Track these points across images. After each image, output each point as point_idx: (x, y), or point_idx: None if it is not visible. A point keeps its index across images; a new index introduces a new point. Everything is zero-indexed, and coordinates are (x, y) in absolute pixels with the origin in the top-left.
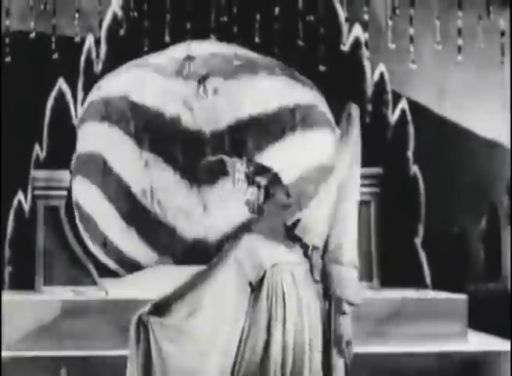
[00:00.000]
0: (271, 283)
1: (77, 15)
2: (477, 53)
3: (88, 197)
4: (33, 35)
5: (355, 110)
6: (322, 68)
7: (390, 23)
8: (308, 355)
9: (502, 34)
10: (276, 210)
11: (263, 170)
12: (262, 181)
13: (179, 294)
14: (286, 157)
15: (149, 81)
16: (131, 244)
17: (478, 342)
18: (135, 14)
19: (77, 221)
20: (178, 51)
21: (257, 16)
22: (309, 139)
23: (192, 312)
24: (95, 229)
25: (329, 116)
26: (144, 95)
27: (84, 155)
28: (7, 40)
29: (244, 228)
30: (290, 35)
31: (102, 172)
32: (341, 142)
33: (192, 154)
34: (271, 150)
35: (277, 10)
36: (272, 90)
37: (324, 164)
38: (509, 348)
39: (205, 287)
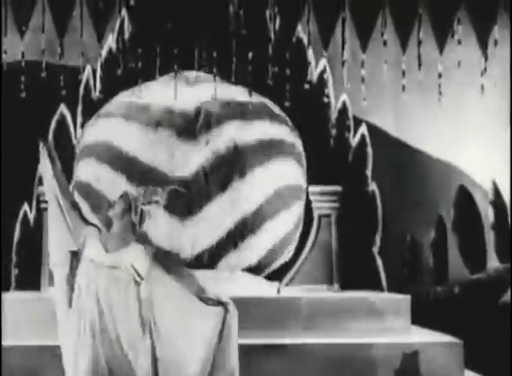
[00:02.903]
0: None
1: (81, 59)
2: (419, 89)
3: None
4: (44, 74)
5: (42, 147)
6: (287, 104)
7: (345, 68)
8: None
9: (440, 75)
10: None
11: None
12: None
13: None
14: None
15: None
16: None
17: (420, 336)
18: (132, 63)
19: None
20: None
21: (234, 59)
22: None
23: None
24: None
25: (298, 146)
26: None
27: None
28: (22, 78)
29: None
30: (261, 75)
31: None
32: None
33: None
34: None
35: (250, 55)
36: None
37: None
38: (444, 340)
39: None
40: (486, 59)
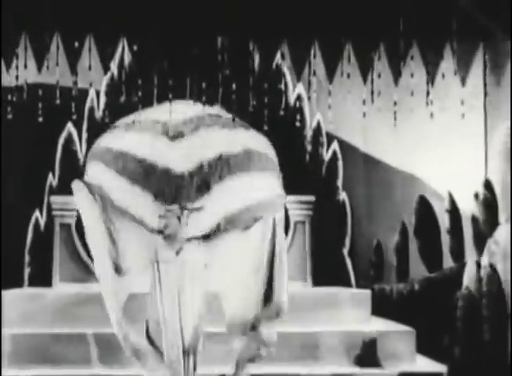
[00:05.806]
0: None
1: (90, 88)
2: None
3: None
4: (58, 101)
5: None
6: (266, 128)
7: (314, 95)
8: None
9: (395, 103)
10: None
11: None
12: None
13: None
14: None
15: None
16: None
17: (378, 325)
18: (134, 96)
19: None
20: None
21: (220, 90)
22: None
23: None
24: None
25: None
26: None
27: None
28: (40, 104)
29: None
30: (243, 103)
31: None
32: None
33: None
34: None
35: (234, 86)
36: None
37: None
38: (399, 329)
39: None
40: (428, 94)
